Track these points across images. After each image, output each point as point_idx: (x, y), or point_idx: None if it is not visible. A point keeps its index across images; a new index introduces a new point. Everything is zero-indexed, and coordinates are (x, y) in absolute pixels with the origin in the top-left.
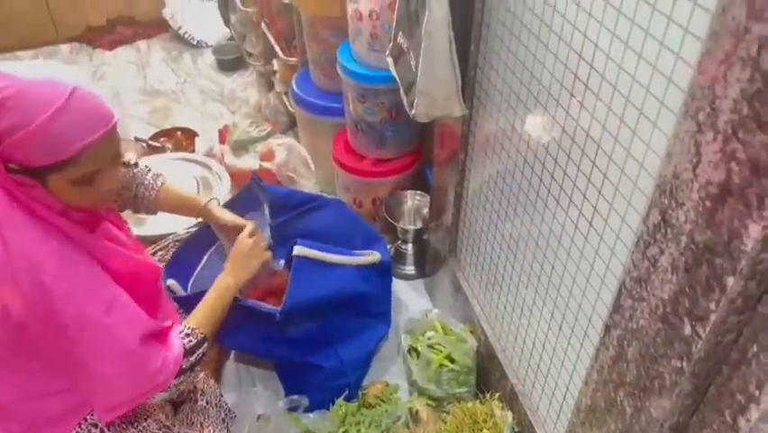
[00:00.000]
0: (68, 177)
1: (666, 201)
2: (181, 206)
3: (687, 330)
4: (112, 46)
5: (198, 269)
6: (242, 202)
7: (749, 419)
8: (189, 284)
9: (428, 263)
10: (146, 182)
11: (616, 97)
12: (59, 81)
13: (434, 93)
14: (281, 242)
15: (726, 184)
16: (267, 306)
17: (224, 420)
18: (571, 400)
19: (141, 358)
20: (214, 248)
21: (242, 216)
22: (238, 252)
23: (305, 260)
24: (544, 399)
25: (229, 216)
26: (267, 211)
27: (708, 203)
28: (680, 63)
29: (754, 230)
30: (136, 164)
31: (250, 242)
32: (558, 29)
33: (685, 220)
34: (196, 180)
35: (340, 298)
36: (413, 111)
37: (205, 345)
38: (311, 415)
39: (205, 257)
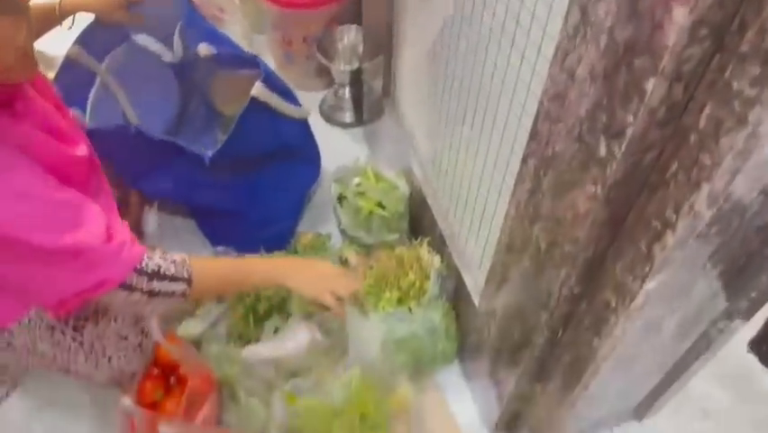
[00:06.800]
0: None
1: None
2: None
3: (602, 150)
4: None
5: (93, 91)
6: None
7: (664, 247)
8: (87, 111)
9: (366, 109)
10: None
11: None
12: None
13: None
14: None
15: None
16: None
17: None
18: (494, 241)
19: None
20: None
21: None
22: (322, 266)
23: (257, 103)
24: (470, 242)
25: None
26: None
27: None
28: None
29: (680, 14)
30: None
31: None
32: None
33: (606, 13)
34: None
35: (275, 150)
36: None
37: (181, 289)
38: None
39: (97, 79)
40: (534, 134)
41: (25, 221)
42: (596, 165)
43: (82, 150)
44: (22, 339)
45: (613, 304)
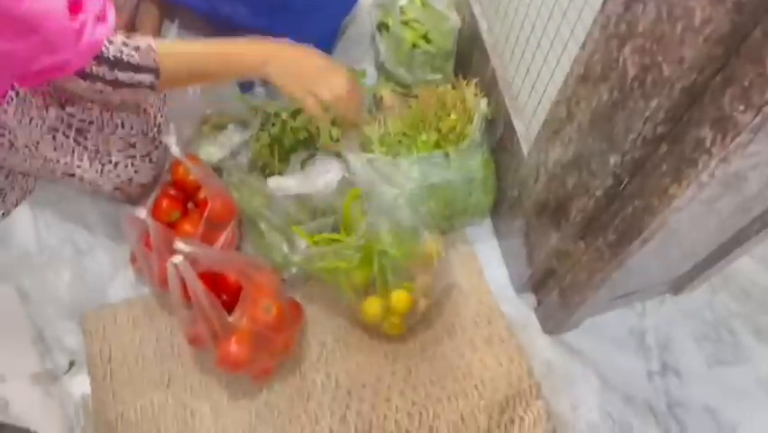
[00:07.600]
0: None
1: None
2: None
3: None
4: None
5: None
6: None
7: None
8: None
9: None
10: None
11: None
12: None
13: None
14: None
15: None
16: None
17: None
18: (559, 79)
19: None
20: None
21: None
22: (311, 61)
23: None
24: (527, 84)
25: None
26: None
27: None
28: None
29: None
30: None
31: (343, 72)
32: None
33: None
34: None
35: None
36: None
37: (148, 80)
38: (261, 90)
39: None
40: None
41: None
42: None
43: None
44: (24, 141)
45: (708, 143)
